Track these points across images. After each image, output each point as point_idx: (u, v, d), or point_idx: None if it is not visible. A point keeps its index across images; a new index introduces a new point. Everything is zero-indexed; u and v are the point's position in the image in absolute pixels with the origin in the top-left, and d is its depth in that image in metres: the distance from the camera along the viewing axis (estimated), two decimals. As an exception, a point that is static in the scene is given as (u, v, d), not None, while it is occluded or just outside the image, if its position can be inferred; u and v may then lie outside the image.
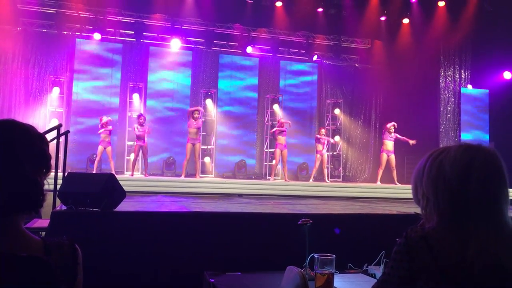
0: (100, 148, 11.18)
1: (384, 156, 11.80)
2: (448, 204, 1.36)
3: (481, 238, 1.29)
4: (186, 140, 11.42)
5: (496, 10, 13.54)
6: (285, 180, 11.58)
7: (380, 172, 12.02)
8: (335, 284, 2.21)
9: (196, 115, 11.34)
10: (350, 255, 2.88)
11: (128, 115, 13.02)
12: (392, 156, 11.75)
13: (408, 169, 13.77)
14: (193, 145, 11.23)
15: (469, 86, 15.04)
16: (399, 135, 11.85)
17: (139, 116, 11.42)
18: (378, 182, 12.02)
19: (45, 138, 1.31)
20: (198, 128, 11.43)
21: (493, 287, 1.27)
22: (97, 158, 11.28)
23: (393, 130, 11.72)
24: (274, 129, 12.09)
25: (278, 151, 11.73)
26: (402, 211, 5.55)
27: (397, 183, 11.61)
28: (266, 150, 13.99)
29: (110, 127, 11.27)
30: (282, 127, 11.79)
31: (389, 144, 11.73)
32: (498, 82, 14.71)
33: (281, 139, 11.72)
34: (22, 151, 1.21)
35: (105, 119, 11.25)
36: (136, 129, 11.18)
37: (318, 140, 12.39)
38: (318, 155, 12.34)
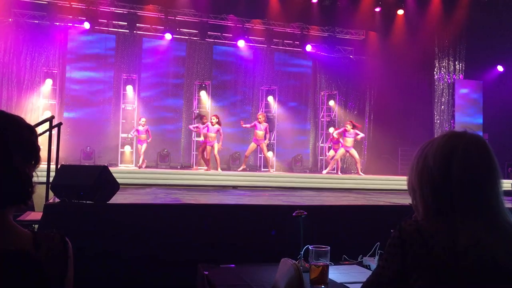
0: (138, 146, 11.73)
1: (342, 151, 11.68)
2: (432, 195, 1.34)
3: (469, 229, 1.27)
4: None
5: (491, 2, 13.54)
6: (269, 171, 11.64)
7: (333, 163, 11.92)
8: (330, 275, 2.20)
9: (205, 120, 11.40)
10: (345, 246, 2.88)
11: (122, 107, 12.96)
12: (352, 151, 11.64)
13: (402, 161, 13.81)
14: (211, 146, 11.25)
15: (463, 76, 15.07)
16: (359, 130, 11.69)
17: (203, 116, 11.66)
18: (324, 171, 12.10)
19: (34, 129, 1.28)
20: (216, 132, 11.23)
21: (486, 278, 1.25)
22: (141, 156, 11.61)
23: (351, 127, 11.48)
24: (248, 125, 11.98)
25: (253, 144, 11.78)
26: (397, 202, 5.57)
27: (361, 174, 11.70)
28: (261, 142, 13.97)
29: (141, 128, 11.63)
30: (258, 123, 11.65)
31: (349, 141, 11.55)
32: (492, 74, 14.76)
33: (257, 133, 11.63)
34: (10, 142, 1.18)
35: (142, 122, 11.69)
36: (205, 128, 11.27)
37: (345, 134, 11.61)
38: (342, 149, 11.65)
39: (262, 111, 13.98)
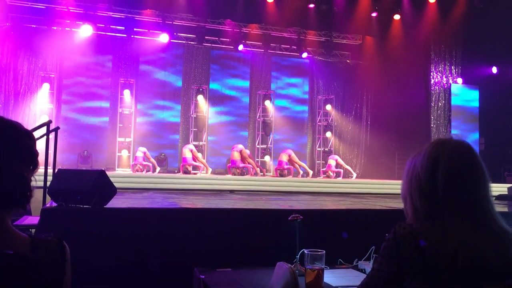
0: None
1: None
2: (419, 200, 1.39)
3: (458, 230, 1.31)
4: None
5: (486, 6, 13.61)
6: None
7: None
8: (325, 279, 2.21)
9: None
10: (340, 250, 2.89)
11: (119, 111, 12.95)
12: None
13: (399, 165, 13.84)
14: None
15: (459, 80, 15.10)
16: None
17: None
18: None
19: (32, 135, 1.30)
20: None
21: (477, 277, 1.28)
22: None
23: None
24: None
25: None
26: (393, 206, 5.58)
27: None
28: (258, 146, 13.99)
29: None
30: None
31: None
32: (489, 78, 14.81)
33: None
34: (9, 148, 1.20)
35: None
36: None
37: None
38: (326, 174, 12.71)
39: (259, 115, 14.02)
